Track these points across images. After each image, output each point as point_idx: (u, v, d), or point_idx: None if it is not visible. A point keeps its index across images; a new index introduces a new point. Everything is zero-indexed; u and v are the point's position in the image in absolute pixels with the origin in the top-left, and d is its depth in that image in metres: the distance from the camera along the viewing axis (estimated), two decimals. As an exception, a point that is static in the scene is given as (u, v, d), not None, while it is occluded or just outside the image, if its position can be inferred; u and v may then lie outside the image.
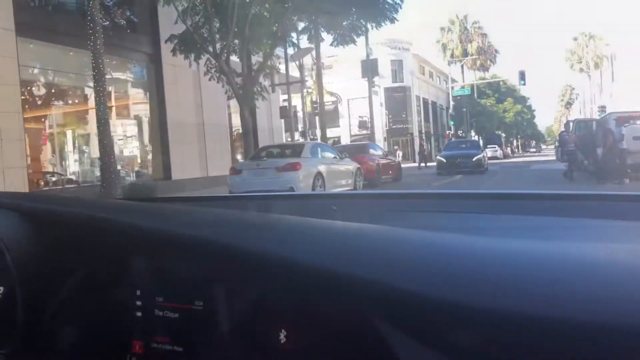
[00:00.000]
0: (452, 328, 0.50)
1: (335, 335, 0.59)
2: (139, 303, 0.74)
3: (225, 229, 0.74)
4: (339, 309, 0.58)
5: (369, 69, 23.93)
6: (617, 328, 0.43)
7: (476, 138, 52.29)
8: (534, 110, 69.92)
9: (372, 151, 14.57)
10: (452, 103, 41.80)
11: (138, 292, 0.74)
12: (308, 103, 29.97)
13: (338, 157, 11.34)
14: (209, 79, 13.08)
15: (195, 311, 0.69)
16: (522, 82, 35.32)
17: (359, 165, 11.94)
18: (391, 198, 1.44)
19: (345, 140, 36.33)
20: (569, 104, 78.67)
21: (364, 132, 40.89)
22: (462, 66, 49.38)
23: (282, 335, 0.62)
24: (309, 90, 38.81)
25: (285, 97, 21.17)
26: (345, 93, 39.69)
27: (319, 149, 11.34)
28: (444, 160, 18.19)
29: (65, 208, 0.89)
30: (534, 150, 72.54)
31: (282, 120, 20.96)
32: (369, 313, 0.56)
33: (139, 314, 0.73)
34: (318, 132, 39.67)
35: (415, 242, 0.65)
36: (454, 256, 0.58)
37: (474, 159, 17.60)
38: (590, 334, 0.44)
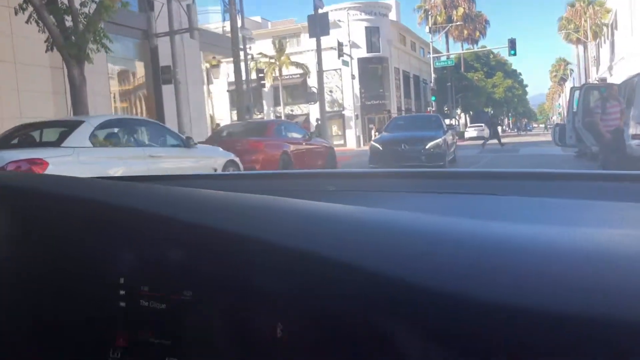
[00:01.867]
0: (455, 320, 0.49)
1: (332, 327, 0.56)
2: (122, 292, 0.68)
3: (217, 213, 0.69)
4: (339, 301, 0.56)
5: (318, 25, 19.06)
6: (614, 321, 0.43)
7: (462, 115, 48.10)
8: (526, 86, 65.79)
9: (283, 133, 10.04)
10: (433, 76, 37.33)
11: (122, 281, 0.69)
12: (255, 72, 25.46)
13: (183, 146, 6.70)
14: (27, 21, 8.42)
15: (184, 301, 0.65)
16: (513, 51, 31.14)
17: (231, 157, 7.43)
18: (386, 177, 1.38)
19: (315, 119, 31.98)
20: (562, 80, 74.45)
21: (336, 109, 36.70)
22: (446, 35, 44.90)
23: (279, 329, 0.59)
24: (271, 60, 34.38)
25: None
26: (315, 66, 35.17)
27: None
28: (380, 147, 11.44)
29: (40, 187, 0.81)
30: (528, 129, 68.52)
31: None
32: (371, 306, 0.53)
33: (122, 304, 0.68)
34: (282, 109, 35.50)
35: (418, 229, 0.62)
36: (457, 244, 0.56)
37: (427, 146, 11.08)
38: (601, 328, 0.43)
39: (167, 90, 13.97)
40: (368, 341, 0.54)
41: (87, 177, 0.87)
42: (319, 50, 20.10)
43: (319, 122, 22.41)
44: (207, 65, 22.36)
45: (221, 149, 7.57)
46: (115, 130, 6.12)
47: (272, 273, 0.61)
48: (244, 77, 16.96)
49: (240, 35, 17.22)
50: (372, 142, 12.81)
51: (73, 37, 8.33)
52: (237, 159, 7.55)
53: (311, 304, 0.58)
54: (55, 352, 0.73)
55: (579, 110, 11.20)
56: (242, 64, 16.83)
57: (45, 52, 8.74)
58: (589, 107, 10.57)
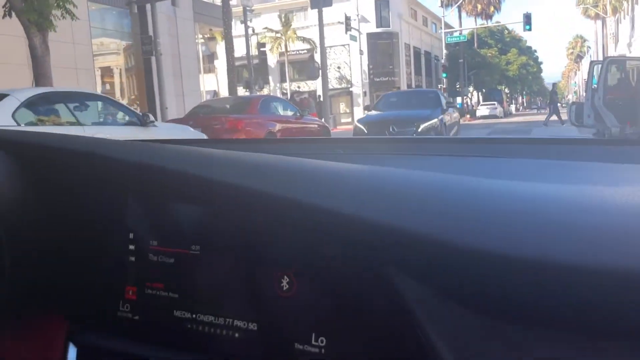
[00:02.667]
0: (462, 272, 0.50)
1: (340, 282, 0.58)
2: (131, 247, 0.71)
3: (227, 168, 0.68)
4: (344, 254, 0.57)
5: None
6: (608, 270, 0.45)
7: (473, 93, 46.80)
8: (541, 63, 63.93)
9: (270, 110, 9.17)
10: (445, 52, 36.02)
11: (131, 236, 0.71)
12: (255, 47, 24.47)
13: (139, 124, 5.84)
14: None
15: (192, 256, 0.66)
16: (528, 27, 29.81)
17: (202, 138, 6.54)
18: (396, 142, 1.40)
19: (324, 96, 30.99)
20: (579, 57, 72.41)
21: (344, 85, 35.64)
22: (458, 9, 43.28)
23: (285, 282, 0.61)
24: (277, 35, 33.29)
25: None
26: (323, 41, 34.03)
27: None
28: (364, 129, 10.01)
29: (50, 142, 0.79)
30: (542, 108, 66.96)
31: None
32: (377, 257, 0.55)
33: (132, 258, 0.70)
34: (288, 85, 34.53)
35: (423, 183, 0.62)
36: (467, 198, 0.57)
37: (420, 128, 9.49)
38: (595, 277, 0.45)
39: (161, 63, 13.14)
40: (371, 290, 0.55)
41: (94, 137, 0.83)
42: (320, 22, 19.09)
43: (321, 98, 21.48)
44: (202, 38, 21.39)
45: (191, 129, 6.77)
46: (50, 106, 5.31)
47: (279, 227, 0.61)
48: (244, 51, 16.00)
49: (241, 6, 16.25)
50: (355, 123, 11.21)
51: (35, 2, 7.48)
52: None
53: (317, 257, 0.59)
54: (66, 306, 0.75)
55: (599, 87, 10.16)
56: (245, 39, 15.88)
57: (2, 17, 7.90)
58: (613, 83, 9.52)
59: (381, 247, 0.54)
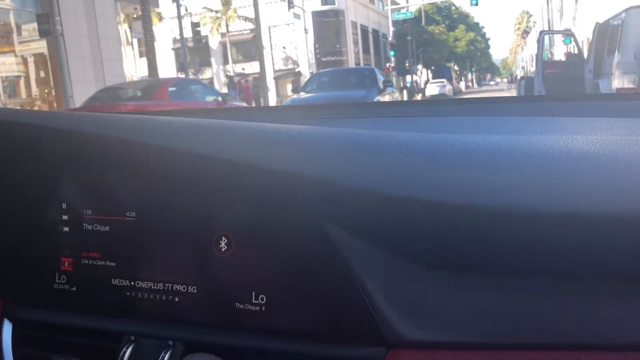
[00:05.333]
0: (392, 221, 0.52)
1: (277, 239, 0.58)
2: (65, 217, 0.69)
3: (158, 132, 0.65)
4: (280, 210, 0.57)
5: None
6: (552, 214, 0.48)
7: (422, 71, 46.53)
8: (489, 39, 64.40)
9: (183, 96, 8.11)
10: (392, 30, 35.36)
11: (64, 206, 0.69)
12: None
13: None
14: None
15: (127, 223, 0.66)
16: (474, 2, 29.44)
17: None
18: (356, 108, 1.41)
19: (269, 78, 29.82)
20: (525, 33, 73.26)
21: (290, 66, 34.56)
22: (405, -15, 42.58)
23: (223, 243, 0.61)
24: (217, 14, 31.77)
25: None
26: (266, 21, 32.67)
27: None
28: None
29: None
30: (493, 83, 67.28)
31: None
32: (311, 212, 0.56)
33: (65, 229, 0.69)
34: (231, 67, 33.15)
35: (353, 139, 0.62)
36: (394, 149, 0.58)
37: None
38: (523, 220, 0.49)
39: (74, 46, 11.87)
40: (308, 245, 0.56)
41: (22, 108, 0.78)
42: (255, -1, 17.90)
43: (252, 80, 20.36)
44: (133, 18, 19.87)
45: None
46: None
47: (214, 188, 0.61)
48: (186, 34, 14.69)
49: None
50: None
51: None
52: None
53: (254, 215, 0.59)
54: (3, 280, 0.72)
55: (537, 63, 9.52)
56: (177, 19, 14.56)
57: None
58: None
59: (315, 201, 0.55)
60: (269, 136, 0.63)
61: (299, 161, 0.57)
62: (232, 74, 30.82)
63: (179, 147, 0.61)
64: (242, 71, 33.36)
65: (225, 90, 18.62)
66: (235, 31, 32.95)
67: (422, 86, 40.39)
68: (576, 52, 10.38)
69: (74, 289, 0.69)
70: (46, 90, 13.41)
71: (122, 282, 0.66)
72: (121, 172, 0.67)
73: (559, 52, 10.76)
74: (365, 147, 0.59)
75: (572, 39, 10.56)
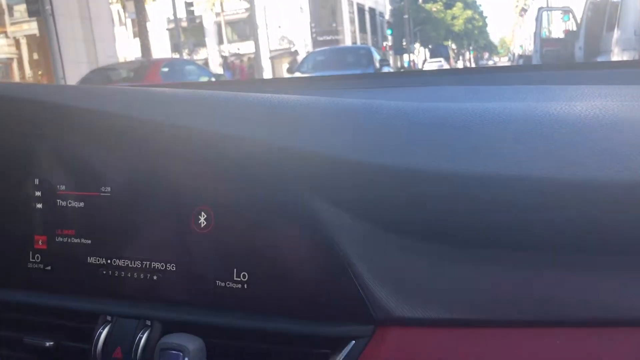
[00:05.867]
0: (373, 191, 0.51)
1: (259, 214, 0.56)
2: (38, 194, 0.66)
3: (134, 104, 0.63)
4: (261, 184, 0.55)
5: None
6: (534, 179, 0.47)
7: (420, 50, 46.25)
8: (486, 17, 63.90)
9: (174, 77, 8.05)
10: (389, 8, 35.05)
11: (36, 181, 0.67)
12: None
13: None
14: None
15: (102, 198, 0.63)
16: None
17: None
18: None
19: (265, 58, 29.59)
20: (523, 11, 72.71)
21: (286, 46, 34.25)
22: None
23: (202, 218, 0.58)
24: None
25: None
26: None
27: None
28: None
29: None
30: (491, 62, 66.89)
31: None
32: (293, 185, 0.54)
33: (39, 205, 0.66)
34: (226, 47, 32.81)
35: (334, 108, 0.60)
36: (374, 119, 0.56)
37: None
38: (511, 188, 0.47)
39: (65, 26, 11.70)
40: (290, 219, 0.54)
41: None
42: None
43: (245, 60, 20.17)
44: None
45: None
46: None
47: (192, 161, 0.58)
48: (180, 14, 14.49)
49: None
50: None
51: None
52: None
53: (233, 189, 0.56)
54: None
55: (535, 40, 9.45)
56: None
57: None
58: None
59: (297, 173, 0.53)
60: (249, 106, 0.60)
61: (280, 132, 0.55)
62: (227, 54, 30.57)
63: (155, 118, 0.59)
64: (237, 51, 33.09)
65: (220, 71, 18.48)
66: (230, 11, 32.59)
67: (420, 66, 40.18)
68: (575, 29, 10.28)
69: (49, 268, 0.67)
70: (40, 72, 13.30)
71: (98, 261, 0.64)
72: (95, 146, 0.64)
73: (558, 29, 10.66)
74: (348, 117, 0.57)
75: (571, 15, 10.46)
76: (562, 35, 11.19)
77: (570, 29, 10.78)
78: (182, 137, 0.58)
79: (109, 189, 0.63)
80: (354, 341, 0.53)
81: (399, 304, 0.51)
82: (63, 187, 0.66)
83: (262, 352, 0.56)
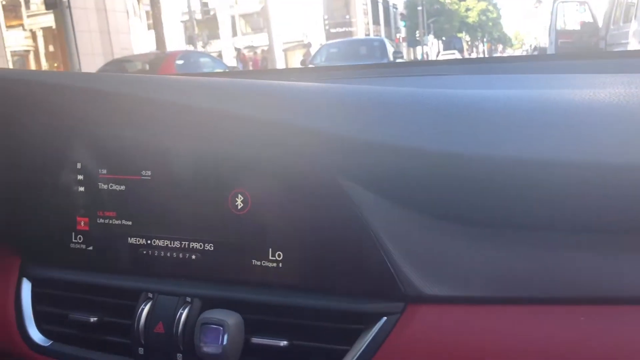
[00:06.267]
0: (406, 173, 0.52)
1: (294, 195, 0.58)
2: (80, 177, 0.69)
3: (175, 90, 0.64)
4: (297, 167, 0.57)
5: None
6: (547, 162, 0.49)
7: (433, 42, 45.83)
8: (500, 9, 63.04)
9: (189, 69, 8.09)
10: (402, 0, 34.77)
11: (78, 166, 0.69)
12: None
13: None
14: None
15: (143, 182, 0.66)
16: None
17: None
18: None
19: (278, 50, 29.51)
20: (538, 2, 71.62)
21: (299, 39, 34.12)
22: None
23: (239, 200, 0.61)
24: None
25: None
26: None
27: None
28: None
29: None
30: (506, 55, 65.88)
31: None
32: (327, 167, 0.55)
33: (81, 189, 0.69)
34: (239, 39, 32.76)
35: (369, 95, 0.61)
36: (407, 104, 0.57)
37: None
38: (536, 171, 0.49)
39: (81, 18, 11.77)
40: (325, 200, 0.55)
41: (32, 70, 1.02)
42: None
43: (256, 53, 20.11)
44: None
45: None
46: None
47: (230, 145, 0.60)
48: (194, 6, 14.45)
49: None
50: None
51: None
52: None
53: (270, 172, 0.59)
54: (18, 241, 0.73)
55: (550, 32, 9.35)
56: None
57: None
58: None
59: (330, 156, 0.55)
60: (283, 93, 0.62)
61: (313, 117, 0.57)
62: (240, 47, 30.52)
63: (195, 104, 0.61)
64: (250, 44, 33.03)
65: (234, 63, 18.50)
66: (244, 3, 32.52)
67: (434, 58, 39.80)
68: (590, 21, 10.15)
69: (91, 248, 0.69)
70: (55, 64, 13.41)
71: (138, 241, 0.67)
72: (136, 131, 0.66)
73: (574, 21, 10.53)
74: (378, 101, 0.59)
75: (587, 7, 10.32)
76: (577, 27, 11.05)
77: (586, 21, 10.64)
78: (219, 122, 0.60)
79: (149, 172, 0.65)
80: (385, 317, 0.55)
81: (429, 282, 0.53)
82: (105, 171, 0.68)
83: (297, 327, 0.59)
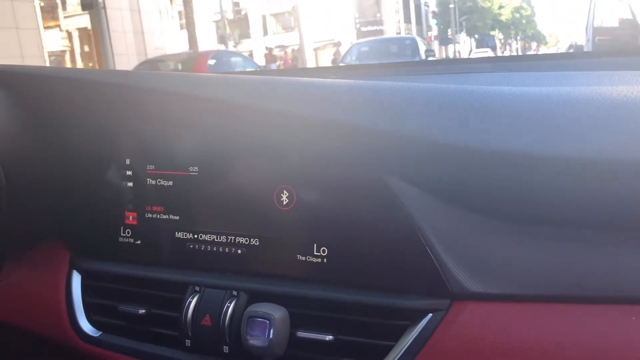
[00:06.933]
0: (453, 171, 0.52)
1: (339, 191, 0.59)
2: (129, 173, 0.71)
3: (221, 88, 0.66)
4: (342, 163, 0.58)
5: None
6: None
7: (465, 40, 45.24)
8: (534, 6, 61.80)
9: (222, 69, 8.19)
10: (434, -3, 34.40)
11: (127, 162, 0.71)
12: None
13: None
14: None
15: (190, 177, 0.67)
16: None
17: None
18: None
19: (309, 50, 29.58)
20: (575, -1, 69.80)
21: (330, 38, 34.11)
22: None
23: (284, 196, 0.62)
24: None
25: None
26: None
27: None
28: None
29: (42, 72, 0.75)
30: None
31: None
32: (373, 164, 0.56)
33: (129, 184, 0.71)
34: (270, 39, 32.95)
35: (413, 92, 0.61)
36: (453, 101, 0.57)
37: None
38: (588, 169, 0.48)
39: (115, 18, 11.99)
40: (369, 197, 0.56)
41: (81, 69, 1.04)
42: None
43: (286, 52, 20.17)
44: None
45: None
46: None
47: (276, 141, 0.61)
48: (226, 6, 14.61)
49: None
50: None
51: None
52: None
53: (315, 168, 0.59)
54: (68, 235, 0.75)
55: (587, 29, 9.12)
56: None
57: None
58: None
59: (375, 153, 0.55)
60: (328, 90, 0.63)
61: (358, 113, 0.57)
62: (271, 46, 30.68)
63: (241, 101, 0.62)
64: (281, 43, 33.17)
65: (265, 62, 18.64)
66: (275, 2, 32.68)
67: (466, 56, 39.27)
68: (630, 17, 9.86)
69: (139, 242, 0.71)
70: (90, 64, 13.71)
71: (185, 235, 0.68)
72: (184, 128, 0.67)
73: (612, 17, 10.25)
74: (422, 99, 0.59)
75: (627, 3, 10.02)
76: (616, 24, 10.76)
77: (625, 18, 10.34)
78: (265, 119, 0.61)
79: (196, 168, 0.67)
80: (431, 314, 0.55)
81: (475, 279, 0.53)
82: (152, 167, 0.70)
83: (342, 322, 0.59)
